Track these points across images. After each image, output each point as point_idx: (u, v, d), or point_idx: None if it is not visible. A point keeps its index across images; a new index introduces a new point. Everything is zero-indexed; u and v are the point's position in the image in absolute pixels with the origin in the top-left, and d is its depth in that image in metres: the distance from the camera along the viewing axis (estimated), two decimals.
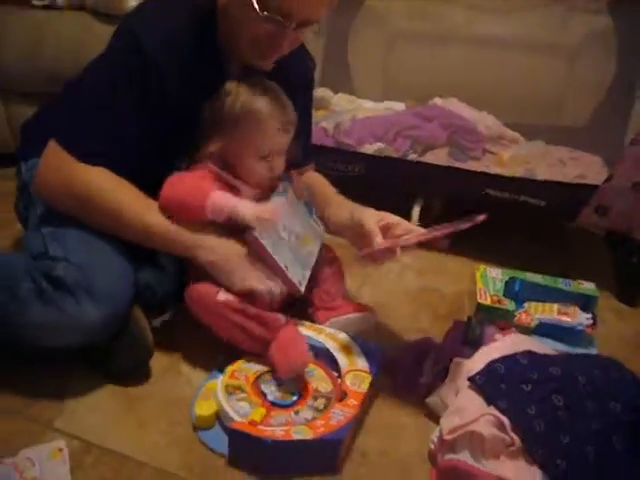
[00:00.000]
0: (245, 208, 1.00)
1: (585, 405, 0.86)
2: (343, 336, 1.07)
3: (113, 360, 1.02)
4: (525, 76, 1.93)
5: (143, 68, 0.94)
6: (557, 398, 0.86)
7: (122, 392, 1.00)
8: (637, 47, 1.39)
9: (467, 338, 1.03)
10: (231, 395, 0.94)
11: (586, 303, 1.21)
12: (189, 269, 1.07)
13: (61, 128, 0.99)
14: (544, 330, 1.15)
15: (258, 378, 0.99)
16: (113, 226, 0.98)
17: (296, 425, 0.88)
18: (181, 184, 1.01)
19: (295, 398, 0.96)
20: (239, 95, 1.02)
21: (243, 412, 0.91)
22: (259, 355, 1.01)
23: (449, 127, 1.80)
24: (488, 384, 0.88)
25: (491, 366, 0.91)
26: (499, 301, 1.23)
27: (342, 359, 1.02)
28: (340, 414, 0.89)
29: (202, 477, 0.85)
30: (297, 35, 0.97)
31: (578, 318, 1.16)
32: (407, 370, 1.08)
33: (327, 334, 1.07)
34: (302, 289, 1.07)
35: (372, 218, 1.04)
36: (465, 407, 0.87)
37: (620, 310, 1.37)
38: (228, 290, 1.00)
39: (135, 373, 1.03)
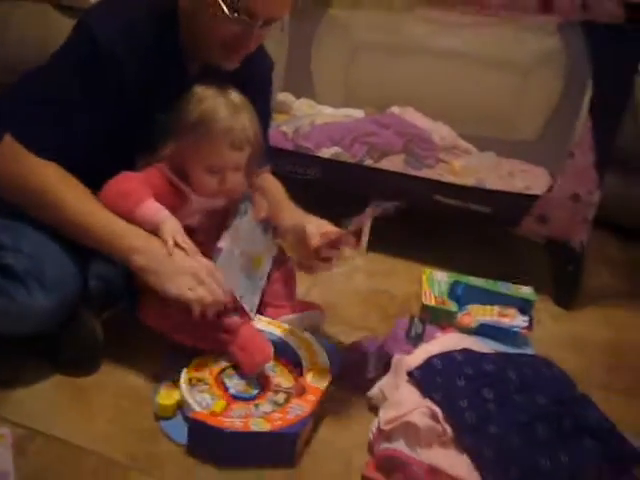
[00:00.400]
0: (167, 230, 0.98)
1: (513, 398, 0.91)
2: (304, 333, 1.11)
3: (62, 351, 1.03)
4: (480, 90, 1.99)
5: (97, 59, 0.95)
6: (488, 392, 0.91)
7: (71, 382, 1.01)
8: (583, 67, 1.47)
9: (409, 335, 1.08)
10: (194, 387, 0.97)
11: (524, 306, 1.28)
12: None
13: (16, 120, 0.99)
14: (484, 331, 1.21)
15: (222, 372, 1.01)
16: (59, 222, 0.97)
17: (255, 417, 0.91)
18: (123, 183, 1.00)
19: (256, 392, 0.99)
20: (201, 102, 1.01)
21: (205, 403, 0.93)
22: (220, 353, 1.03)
23: (405, 135, 1.85)
24: (425, 378, 0.93)
25: (429, 361, 0.96)
26: (443, 302, 1.29)
27: (304, 356, 1.05)
28: (298, 409, 0.92)
29: (148, 466, 0.87)
30: (261, 33, 1.00)
31: (516, 320, 1.23)
32: (353, 367, 1.12)
33: (288, 330, 1.10)
34: (253, 316, 1.09)
35: (313, 223, 1.08)
36: (402, 400, 0.91)
37: (557, 313, 1.44)
38: (163, 297, 0.97)
39: (84, 364, 1.04)
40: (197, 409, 0.92)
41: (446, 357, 0.97)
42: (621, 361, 1.29)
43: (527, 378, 0.96)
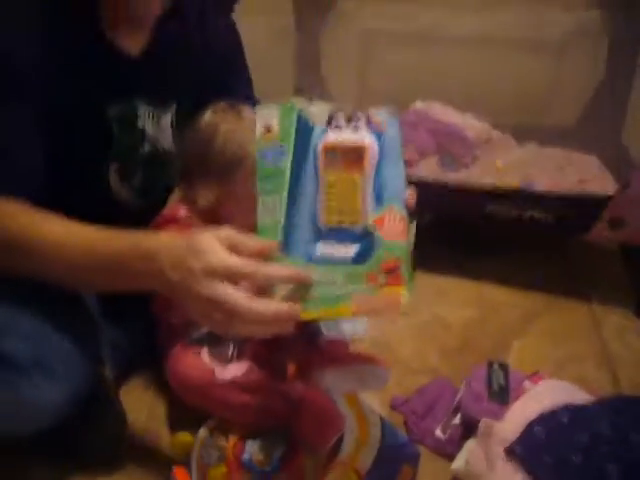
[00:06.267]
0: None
1: None
2: (373, 416, 0.83)
3: (79, 440, 0.86)
4: (508, 74, 1.83)
5: None
6: (612, 468, 0.72)
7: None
8: (634, 40, 1.29)
9: (491, 390, 0.89)
10: (213, 437, 0.80)
11: None
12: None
13: None
14: None
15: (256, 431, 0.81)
16: (53, 273, 0.74)
17: None
18: None
19: (270, 469, 0.77)
20: (226, 137, 0.87)
21: (207, 460, 0.78)
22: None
23: (437, 133, 1.67)
24: (529, 456, 0.74)
25: (530, 431, 0.77)
26: None
27: (348, 444, 0.79)
28: None
29: None
30: None
31: None
32: (419, 418, 0.94)
33: (353, 402, 0.84)
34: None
35: None
36: None
37: None
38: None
39: (107, 454, 0.86)
40: (192, 463, 0.78)
41: (549, 421, 0.78)
42: None
43: None
